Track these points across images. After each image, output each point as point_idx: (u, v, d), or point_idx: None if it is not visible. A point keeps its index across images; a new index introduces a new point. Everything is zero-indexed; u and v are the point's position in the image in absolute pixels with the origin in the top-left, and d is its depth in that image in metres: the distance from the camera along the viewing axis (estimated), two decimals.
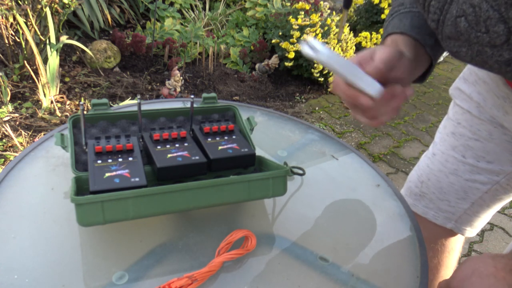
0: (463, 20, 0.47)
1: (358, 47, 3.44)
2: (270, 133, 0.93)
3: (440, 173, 0.89)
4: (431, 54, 0.62)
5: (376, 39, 3.42)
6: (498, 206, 0.90)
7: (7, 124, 1.81)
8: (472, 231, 0.94)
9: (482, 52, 0.49)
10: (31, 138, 1.80)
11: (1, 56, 2.16)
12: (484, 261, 0.58)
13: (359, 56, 0.55)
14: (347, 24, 2.99)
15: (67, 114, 1.99)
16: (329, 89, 2.92)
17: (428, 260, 1.02)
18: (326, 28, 2.73)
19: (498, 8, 0.43)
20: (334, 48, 2.70)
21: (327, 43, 2.67)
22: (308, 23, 2.67)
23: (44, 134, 1.63)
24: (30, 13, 1.96)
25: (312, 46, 0.48)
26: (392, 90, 0.53)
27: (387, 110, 0.55)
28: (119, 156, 0.63)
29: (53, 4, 2.02)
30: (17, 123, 1.87)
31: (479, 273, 0.56)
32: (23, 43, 2.02)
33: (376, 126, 0.65)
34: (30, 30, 1.96)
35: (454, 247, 1.01)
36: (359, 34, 3.47)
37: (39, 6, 1.98)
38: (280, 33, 2.76)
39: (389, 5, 3.44)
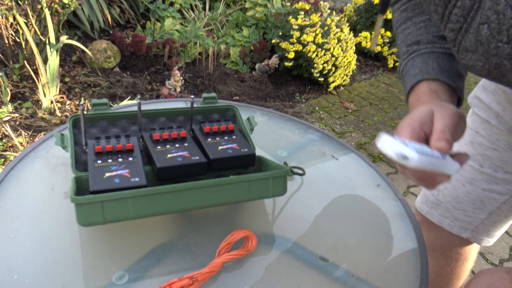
0: (485, 27, 0.45)
1: (358, 47, 3.44)
2: (270, 133, 0.93)
3: (457, 182, 0.88)
4: (461, 95, 0.62)
5: None
6: None
7: (7, 124, 1.81)
8: (489, 241, 0.92)
9: (500, 65, 0.46)
10: (31, 138, 1.80)
11: (1, 56, 2.16)
12: (500, 275, 0.57)
13: (419, 120, 0.51)
14: (347, 24, 2.99)
15: (67, 114, 1.99)
16: (328, 89, 2.92)
17: (441, 268, 1.01)
18: (326, 28, 2.73)
19: None
20: (333, 49, 2.69)
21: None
22: (308, 23, 2.67)
23: (44, 134, 1.63)
24: (30, 13, 1.96)
25: (400, 154, 0.45)
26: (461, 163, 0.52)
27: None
28: (119, 156, 0.63)
29: (53, 4, 2.02)
30: (17, 123, 1.87)
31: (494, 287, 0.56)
32: (23, 43, 2.02)
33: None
34: (30, 30, 1.96)
35: (468, 256, 1.00)
36: (359, 34, 3.47)
37: (39, 6, 1.98)
38: (280, 33, 2.76)
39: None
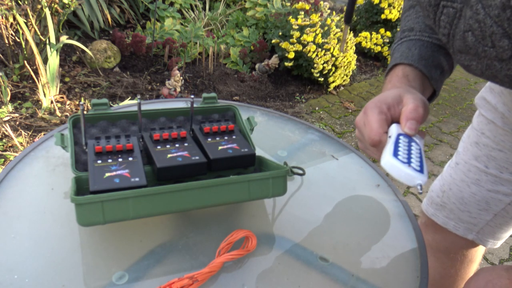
0: (470, 34, 0.47)
1: (358, 47, 3.44)
2: (270, 133, 0.93)
3: (462, 183, 0.88)
4: (435, 86, 0.65)
5: (376, 39, 3.42)
6: None
7: (7, 124, 1.81)
8: (495, 243, 0.92)
9: (491, 66, 0.48)
10: (31, 138, 1.80)
11: (1, 56, 2.16)
12: (498, 273, 0.57)
13: (386, 102, 0.56)
14: None
15: (67, 114, 1.99)
16: (328, 89, 2.92)
17: (446, 269, 1.01)
18: (326, 28, 2.73)
19: (501, 24, 0.43)
20: (333, 49, 2.69)
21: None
22: (308, 23, 2.67)
23: (44, 134, 1.63)
24: (30, 13, 1.96)
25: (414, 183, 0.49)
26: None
27: None
28: (119, 156, 0.63)
29: (53, 4, 2.02)
30: (17, 123, 1.87)
31: (492, 285, 0.56)
32: (23, 43, 2.02)
33: None
34: (30, 30, 1.96)
35: (474, 258, 1.00)
36: (359, 34, 3.47)
37: (39, 6, 1.98)
38: (280, 33, 2.76)
39: (389, 5, 3.44)
